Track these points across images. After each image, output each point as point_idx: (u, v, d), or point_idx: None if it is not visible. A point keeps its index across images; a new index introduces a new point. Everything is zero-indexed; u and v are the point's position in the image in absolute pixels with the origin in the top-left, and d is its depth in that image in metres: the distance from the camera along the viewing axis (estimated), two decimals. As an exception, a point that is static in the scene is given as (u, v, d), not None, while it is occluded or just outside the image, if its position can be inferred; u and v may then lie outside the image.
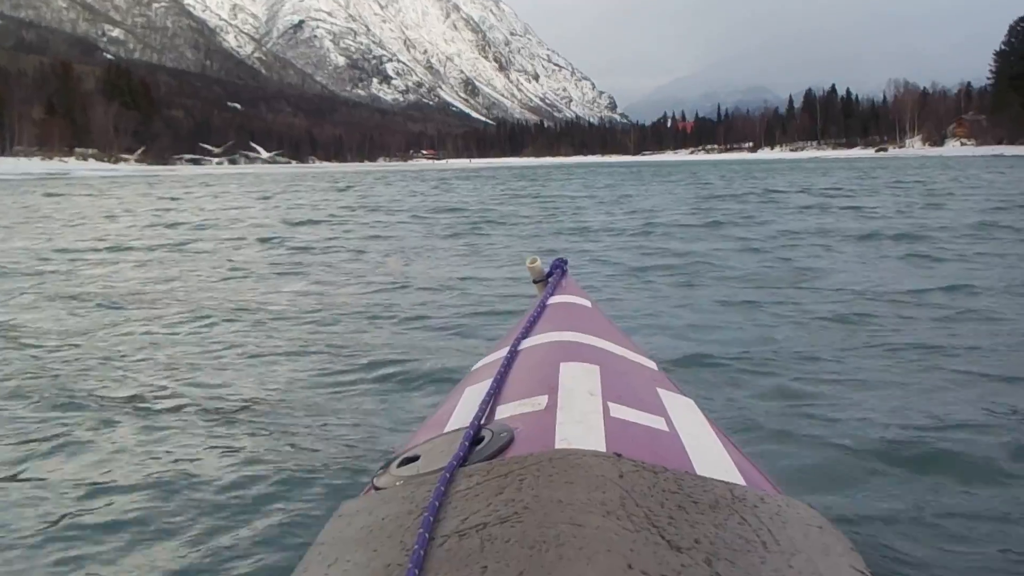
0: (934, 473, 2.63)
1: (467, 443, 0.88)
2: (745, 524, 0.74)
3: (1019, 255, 8.04)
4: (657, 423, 0.99)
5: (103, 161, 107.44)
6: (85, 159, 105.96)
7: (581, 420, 0.92)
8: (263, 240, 11.59)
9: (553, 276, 1.73)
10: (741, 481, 0.88)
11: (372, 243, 11.02)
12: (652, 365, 1.34)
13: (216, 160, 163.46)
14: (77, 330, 5.31)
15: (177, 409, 3.54)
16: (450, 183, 38.65)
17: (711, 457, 0.93)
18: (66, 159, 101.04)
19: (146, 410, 3.55)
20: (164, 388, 3.91)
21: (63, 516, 2.47)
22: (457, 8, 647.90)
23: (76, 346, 4.80)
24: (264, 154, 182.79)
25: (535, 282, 1.76)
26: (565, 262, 1.78)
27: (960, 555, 2.12)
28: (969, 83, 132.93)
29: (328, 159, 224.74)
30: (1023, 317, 4.97)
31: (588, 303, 1.63)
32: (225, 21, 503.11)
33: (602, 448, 0.84)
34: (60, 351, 4.69)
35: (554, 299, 1.57)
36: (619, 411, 0.98)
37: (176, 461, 2.93)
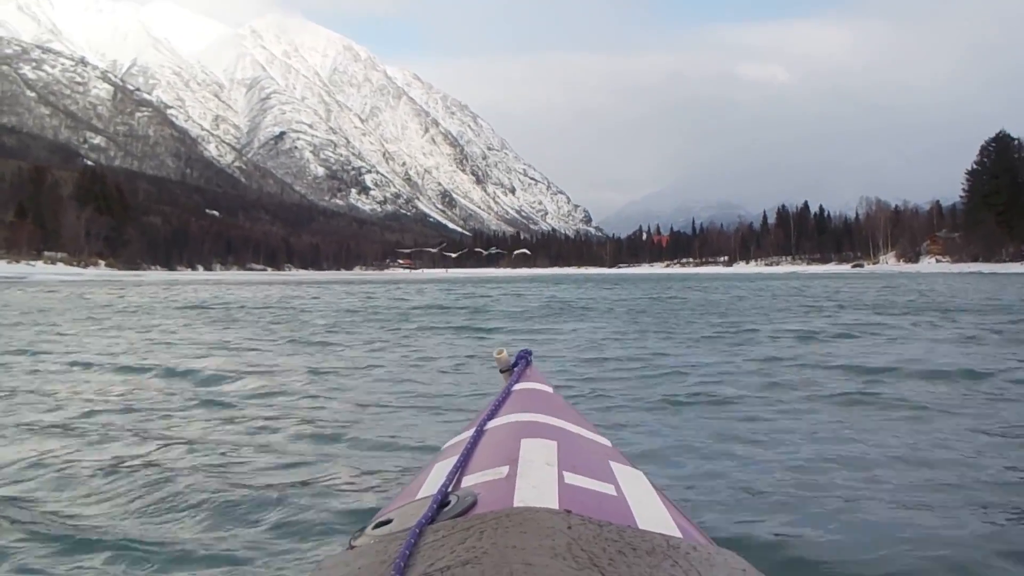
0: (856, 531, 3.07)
1: (435, 506, 0.98)
2: (677, 567, 0.82)
3: None
4: (607, 489, 1.10)
5: (72, 265, 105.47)
6: (54, 263, 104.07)
7: (537, 485, 1.02)
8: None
9: (518, 366, 1.84)
10: (678, 534, 0.97)
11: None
12: (607, 442, 1.45)
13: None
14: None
15: (179, 471, 3.93)
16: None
17: (653, 516, 1.03)
18: (34, 262, 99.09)
19: (145, 465, 3.94)
20: (167, 451, 4.40)
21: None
22: (436, 123, 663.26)
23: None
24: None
25: (502, 371, 1.86)
26: (530, 353, 1.90)
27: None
28: (938, 201, 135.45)
29: (305, 267, 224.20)
30: None
31: (550, 389, 1.73)
32: (207, 131, 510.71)
33: (555, 507, 0.94)
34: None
35: (518, 386, 1.68)
36: (572, 479, 1.08)
37: (172, 521, 3.30)
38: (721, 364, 8.41)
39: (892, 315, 16.09)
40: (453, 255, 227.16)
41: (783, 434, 4.83)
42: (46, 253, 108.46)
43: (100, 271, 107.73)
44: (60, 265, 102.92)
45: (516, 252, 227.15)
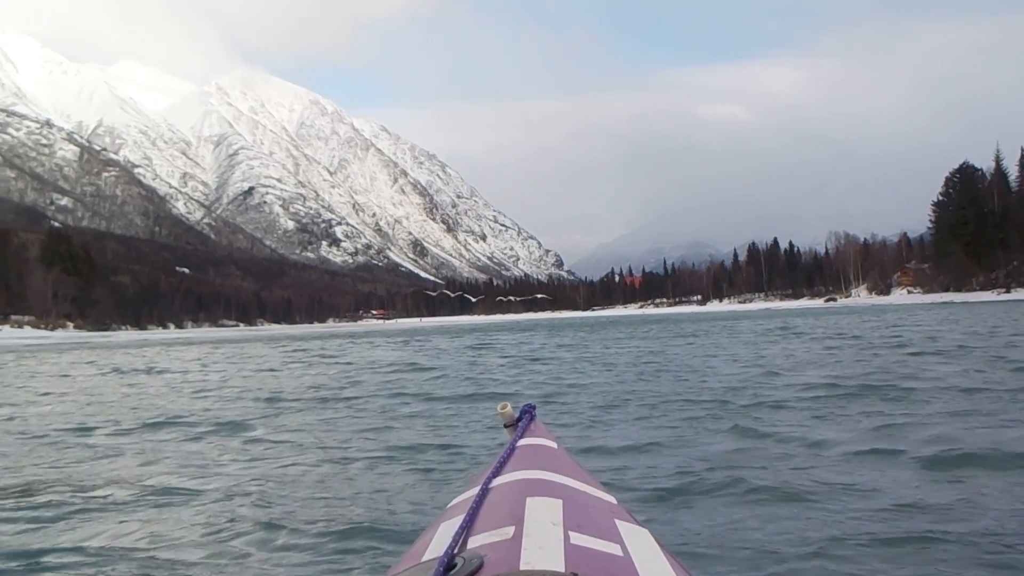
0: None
1: (441, 569, 0.97)
2: None
3: None
4: (613, 549, 1.08)
5: (39, 328, 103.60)
6: (21, 326, 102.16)
7: (543, 546, 1.01)
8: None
9: (523, 420, 1.83)
10: None
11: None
12: (612, 499, 1.44)
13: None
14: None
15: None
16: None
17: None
18: (0, 326, 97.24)
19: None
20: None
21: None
22: (405, 173, 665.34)
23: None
24: None
25: (506, 426, 1.86)
26: (534, 407, 1.89)
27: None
28: (906, 233, 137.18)
29: (277, 321, 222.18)
30: None
31: (555, 444, 1.74)
32: (175, 189, 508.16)
33: (561, 569, 0.94)
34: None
35: (523, 441, 1.68)
36: (578, 539, 1.07)
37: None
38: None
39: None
40: (473, 299, 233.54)
41: (796, 489, 4.47)
42: (12, 317, 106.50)
43: (68, 333, 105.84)
44: (27, 328, 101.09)
45: (536, 296, 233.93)
